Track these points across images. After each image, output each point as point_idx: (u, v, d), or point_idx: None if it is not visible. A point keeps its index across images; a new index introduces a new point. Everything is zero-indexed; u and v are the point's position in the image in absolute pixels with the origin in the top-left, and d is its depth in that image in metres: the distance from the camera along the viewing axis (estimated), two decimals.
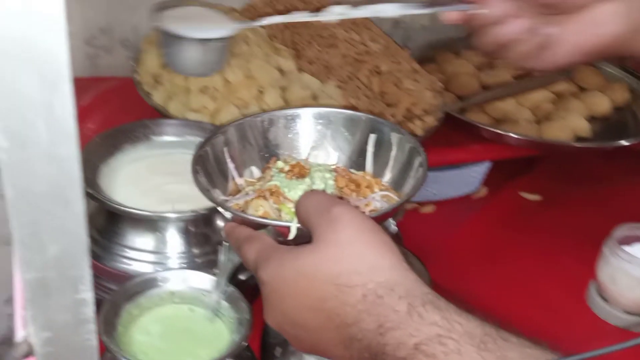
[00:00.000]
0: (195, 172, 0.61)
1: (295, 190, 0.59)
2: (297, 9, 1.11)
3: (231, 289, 0.64)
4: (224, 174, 0.66)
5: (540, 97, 1.10)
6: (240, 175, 0.66)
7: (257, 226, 0.56)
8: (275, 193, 0.59)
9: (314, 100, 0.93)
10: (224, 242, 0.62)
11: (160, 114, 0.92)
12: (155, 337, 0.63)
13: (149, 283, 0.65)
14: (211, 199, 0.59)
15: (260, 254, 0.53)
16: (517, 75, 1.16)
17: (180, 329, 0.64)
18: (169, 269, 0.70)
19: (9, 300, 1.36)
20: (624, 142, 1.03)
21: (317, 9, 1.10)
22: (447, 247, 0.93)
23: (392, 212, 0.60)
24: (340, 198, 0.59)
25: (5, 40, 0.30)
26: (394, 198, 0.62)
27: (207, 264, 0.71)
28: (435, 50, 1.23)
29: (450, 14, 0.69)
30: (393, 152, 0.66)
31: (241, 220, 0.57)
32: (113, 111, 1.01)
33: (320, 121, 0.68)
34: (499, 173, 1.04)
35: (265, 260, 0.52)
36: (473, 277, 0.87)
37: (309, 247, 0.50)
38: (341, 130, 0.68)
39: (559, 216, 0.99)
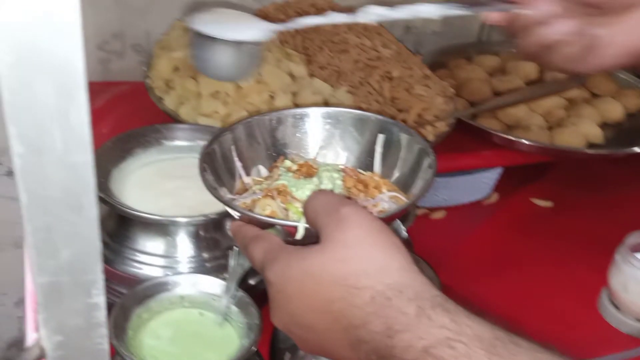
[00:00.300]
0: (202, 169, 0.61)
1: (303, 190, 0.59)
2: (308, 15, 1.11)
3: (241, 293, 0.64)
4: (231, 173, 0.65)
5: (552, 103, 1.10)
6: (248, 174, 0.66)
7: (264, 225, 0.55)
8: (282, 192, 0.59)
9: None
10: (234, 247, 0.61)
11: (172, 119, 0.92)
12: (164, 341, 0.63)
13: (159, 287, 0.65)
14: (218, 197, 0.59)
15: (267, 253, 0.52)
16: (529, 81, 1.16)
17: (190, 333, 0.64)
18: (179, 273, 0.70)
19: (19, 303, 1.37)
20: (636, 149, 1.02)
21: (334, 11, 1.11)
22: (457, 253, 0.92)
23: (401, 213, 0.59)
24: (348, 198, 0.59)
25: (22, 49, 0.30)
26: (403, 199, 0.61)
27: (217, 269, 0.71)
28: (447, 55, 1.23)
29: (492, 15, 0.67)
30: (402, 153, 0.65)
31: (248, 219, 0.57)
32: (125, 115, 1.01)
33: (329, 121, 0.68)
34: (510, 179, 1.04)
35: (272, 260, 0.51)
36: (484, 283, 0.86)
37: (317, 248, 0.49)
38: (350, 130, 0.68)
39: (571, 223, 0.99)
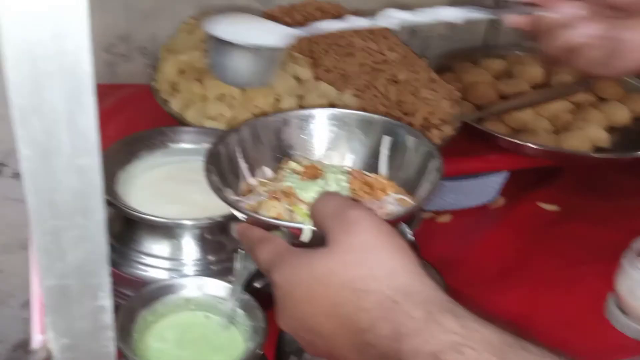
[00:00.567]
0: (207, 170, 0.61)
1: (309, 192, 0.58)
2: (315, 18, 1.11)
3: (246, 296, 0.64)
4: (236, 174, 0.65)
5: (559, 107, 1.10)
6: (253, 175, 0.66)
7: (270, 227, 0.55)
8: (288, 194, 0.59)
9: None
10: (239, 250, 0.61)
11: (178, 121, 0.92)
12: (170, 343, 0.63)
13: (164, 290, 0.66)
14: (223, 198, 0.59)
15: (273, 256, 0.52)
16: (535, 85, 1.16)
17: (195, 336, 0.64)
18: (185, 275, 0.70)
19: (25, 304, 1.37)
20: None
21: (335, 16, 1.11)
22: (463, 257, 0.92)
23: (407, 216, 0.59)
24: (355, 200, 0.58)
25: (31, 53, 0.30)
26: (409, 202, 0.61)
27: (223, 271, 0.71)
28: (453, 59, 1.22)
29: (515, 18, 0.66)
30: (408, 155, 0.64)
31: (254, 221, 0.56)
32: (130, 118, 1.01)
33: (335, 122, 0.68)
34: (516, 183, 1.03)
35: (279, 263, 0.51)
36: (489, 287, 0.86)
37: (324, 251, 0.49)
38: (356, 131, 0.67)
39: (577, 227, 0.98)
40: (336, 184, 0.60)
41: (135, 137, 0.80)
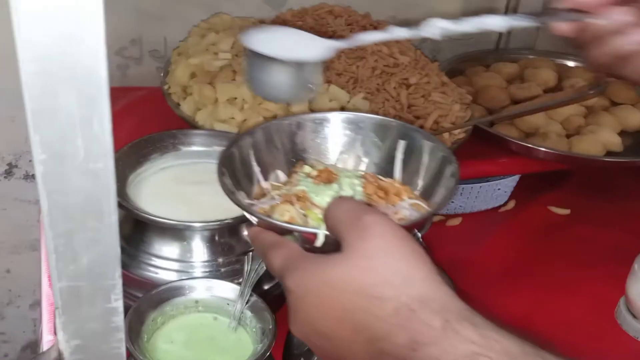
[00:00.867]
0: (220, 173, 0.60)
1: (323, 196, 0.57)
2: (327, 22, 1.11)
3: (255, 298, 0.64)
4: (249, 177, 0.64)
5: (571, 110, 1.09)
6: (266, 178, 0.65)
7: (283, 232, 0.54)
8: (302, 198, 0.58)
9: None
10: (248, 252, 0.61)
11: (189, 124, 0.92)
12: (179, 345, 0.63)
13: (174, 291, 0.66)
14: (236, 202, 0.58)
15: (287, 261, 0.51)
16: (547, 89, 1.16)
17: (204, 337, 0.64)
18: (194, 277, 0.70)
19: (34, 305, 1.38)
20: None
21: (349, 24, 1.11)
22: (473, 261, 0.92)
23: (423, 222, 0.58)
24: (369, 205, 0.57)
25: (46, 58, 0.31)
26: (424, 207, 0.60)
27: (232, 274, 0.71)
28: (465, 62, 1.22)
29: (560, 26, 0.64)
30: (424, 160, 0.63)
31: (267, 225, 0.55)
32: (142, 121, 1.02)
33: (349, 126, 0.67)
34: (527, 187, 1.03)
35: (292, 268, 0.50)
36: (500, 291, 0.86)
37: (339, 257, 0.48)
38: (370, 135, 0.66)
39: (589, 231, 0.98)
40: (350, 188, 0.59)
41: (146, 140, 0.80)
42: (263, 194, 0.63)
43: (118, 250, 0.37)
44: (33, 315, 1.39)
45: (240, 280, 0.65)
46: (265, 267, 0.65)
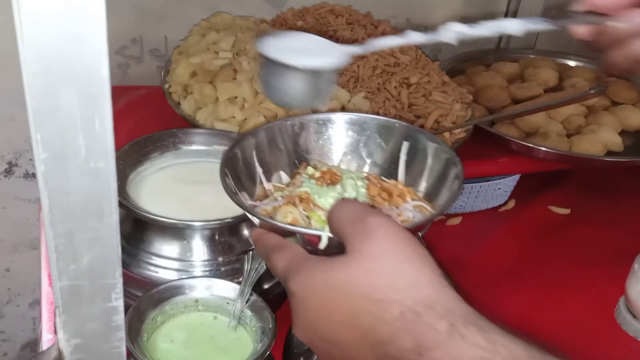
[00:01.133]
0: (223, 174, 0.59)
1: (326, 198, 0.57)
2: (327, 21, 1.11)
3: (255, 297, 0.64)
4: (252, 178, 0.64)
5: (571, 110, 1.09)
6: (269, 179, 0.64)
7: (285, 233, 0.54)
8: (305, 200, 0.57)
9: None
10: (248, 251, 0.61)
11: (189, 123, 0.92)
12: (178, 344, 0.63)
13: (174, 290, 0.66)
14: (239, 203, 0.57)
15: (290, 263, 0.50)
16: (547, 89, 1.15)
17: (204, 337, 0.64)
18: (194, 276, 0.70)
19: (34, 304, 1.38)
20: None
21: (350, 23, 1.11)
22: (473, 260, 0.92)
23: (426, 224, 0.57)
24: (373, 207, 0.57)
25: (48, 58, 0.31)
26: (428, 209, 0.59)
27: (232, 273, 0.71)
28: (466, 62, 1.22)
29: (579, 29, 0.63)
30: (428, 162, 0.63)
31: (270, 227, 0.55)
32: (142, 120, 1.02)
33: (353, 127, 0.66)
34: (528, 186, 1.03)
35: (296, 271, 0.49)
36: (499, 290, 0.86)
37: (343, 259, 0.47)
38: (374, 136, 0.66)
39: (589, 231, 0.98)
40: (354, 189, 0.59)
41: (147, 139, 0.80)
42: (265, 195, 0.63)
43: (119, 250, 0.37)
44: (32, 314, 1.39)
45: (240, 279, 0.65)
46: (265, 267, 0.65)
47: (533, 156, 0.99)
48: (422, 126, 0.96)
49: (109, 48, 0.31)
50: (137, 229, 0.73)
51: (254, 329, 0.63)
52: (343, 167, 0.66)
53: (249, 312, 0.64)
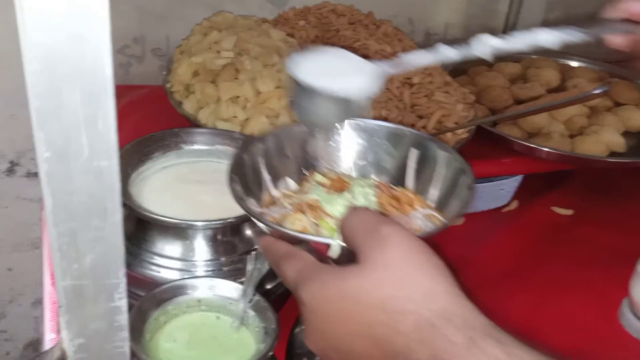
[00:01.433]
0: (230, 180, 0.59)
1: (335, 205, 0.56)
2: (329, 21, 1.11)
3: (258, 297, 0.64)
4: (259, 184, 0.63)
5: (574, 111, 1.09)
6: (275, 186, 0.64)
7: (295, 242, 0.53)
8: (314, 207, 0.56)
9: None
10: (251, 251, 0.61)
11: (191, 123, 0.92)
12: (181, 344, 0.63)
13: (176, 290, 0.65)
14: (247, 209, 0.57)
15: (301, 272, 0.49)
16: (550, 89, 1.15)
17: (206, 336, 0.64)
18: (197, 276, 0.70)
19: (36, 303, 1.38)
20: None
21: (352, 23, 1.11)
22: (476, 261, 0.91)
23: (436, 234, 0.55)
24: (385, 215, 0.55)
25: (50, 57, 0.30)
26: (438, 217, 0.59)
27: (234, 273, 0.71)
28: (468, 62, 1.22)
29: (615, 39, 0.61)
30: (438, 170, 0.62)
31: (279, 235, 0.54)
32: (144, 119, 1.02)
33: (362, 134, 0.65)
34: (530, 187, 1.03)
35: (307, 280, 0.48)
36: (502, 291, 0.86)
37: (356, 268, 0.46)
38: (384, 144, 0.65)
39: (592, 232, 0.98)
40: (364, 197, 0.58)
41: (149, 138, 0.80)
42: (272, 202, 0.62)
43: (122, 249, 0.37)
44: (35, 313, 1.39)
45: (243, 279, 0.65)
46: (268, 267, 0.64)
47: (535, 157, 0.99)
48: (424, 126, 0.95)
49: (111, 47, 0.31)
50: (139, 229, 0.73)
51: (256, 329, 0.63)
52: (351, 174, 0.65)
53: (251, 312, 0.64)
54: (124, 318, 0.40)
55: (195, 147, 0.82)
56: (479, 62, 1.22)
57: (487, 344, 0.42)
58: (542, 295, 0.86)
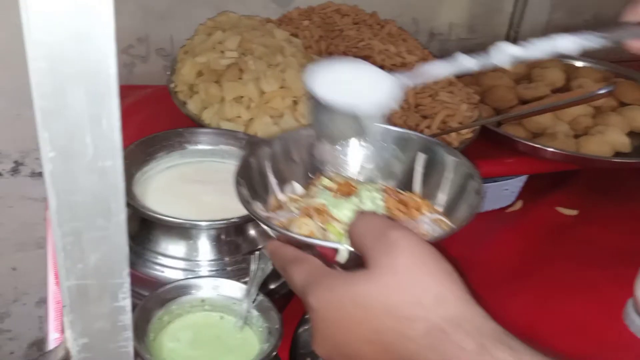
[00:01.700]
0: (237, 183, 0.58)
1: (342, 210, 0.55)
2: (333, 21, 1.11)
3: (261, 297, 0.64)
4: (265, 188, 0.63)
5: (579, 111, 1.09)
6: (282, 190, 0.63)
7: (302, 246, 0.52)
8: (321, 212, 0.56)
9: None
10: (255, 251, 0.61)
11: (195, 123, 0.92)
12: (184, 344, 0.63)
13: (180, 290, 0.66)
14: (253, 213, 0.56)
15: (309, 277, 0.49)
16: (555, 89, 1.15)
17: (210, 336, 0.64)
18: (200, 276, 0.70)
19: (40, 302, 1.38)
20: None
21: (356, 23, 1.11)
22: (480, 261, 0.91)
23: (444, 239, 0.55)
24: (395, 221, 0.54)
25: (55, 56, 0.30)
26: (446, 222, 0.58)
27: (238, 272, 0.71)
28: None
29: (635, 44, 0.60)
30: (446, 175, 0.62)
31: (286, 239, 0.54)
32: (148, 119, 1.02)
33: (369, 138, 0.65)
34: (535, 187, 1.02)
35: (315, 285, 0.48)
36: (506, 291, 0.85)
37: (365, 274, 0.46)
38: (391, 148, 0.65)
39: (596, 232, 0.97)
40: (371, 202, 0.57)
41: (153, 138, 0.80)
42: (279, 206, 0.62)
43: (126, 249, 0.37)
44: (39, 312, 1.39)
45: (247, 279, 0.65)
46: (272, 267, 0.64)
47: (540, 157, 0.98)
48: (428, 126, 0.95)
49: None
50: (143, 229, 0.73)
51: (260, 329, 0.63)
52: (358, 178, 0.65)
53: (255, 312, 0.64)
54: (127, 318, 0.40)
55: (199, 147, 0.82)
56: None
57: (498, 350, 0.41)
58: (546, 295, 0.86)
